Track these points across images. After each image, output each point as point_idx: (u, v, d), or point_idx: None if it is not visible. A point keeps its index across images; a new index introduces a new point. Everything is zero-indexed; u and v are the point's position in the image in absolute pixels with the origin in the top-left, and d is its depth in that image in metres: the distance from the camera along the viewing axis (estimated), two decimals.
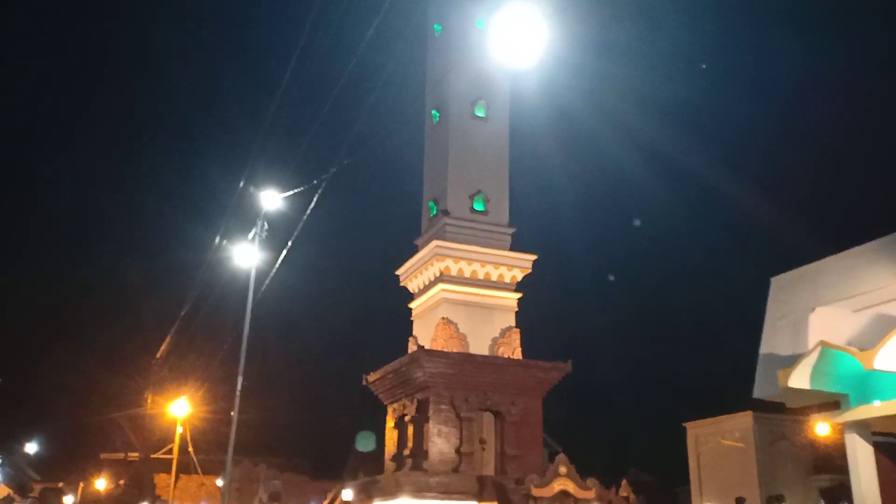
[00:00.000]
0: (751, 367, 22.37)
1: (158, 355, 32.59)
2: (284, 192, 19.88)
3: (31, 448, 40.76)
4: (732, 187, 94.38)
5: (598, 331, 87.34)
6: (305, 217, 20.03)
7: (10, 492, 29.09)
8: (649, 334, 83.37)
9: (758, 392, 21.70)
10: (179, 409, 35.29)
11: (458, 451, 27.73)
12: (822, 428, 23.72)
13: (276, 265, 21.37)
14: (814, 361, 18.49)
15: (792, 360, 19.25)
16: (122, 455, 45.20)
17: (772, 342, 21.60)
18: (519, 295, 32.11)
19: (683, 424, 36.09)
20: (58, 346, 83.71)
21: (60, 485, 41.17)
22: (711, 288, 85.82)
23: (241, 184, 21.91)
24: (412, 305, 33.64)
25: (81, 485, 42.95)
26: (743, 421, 32.67)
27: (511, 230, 32.89)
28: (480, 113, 34.24)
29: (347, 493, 27.31)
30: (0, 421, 35.15)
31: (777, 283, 23.43)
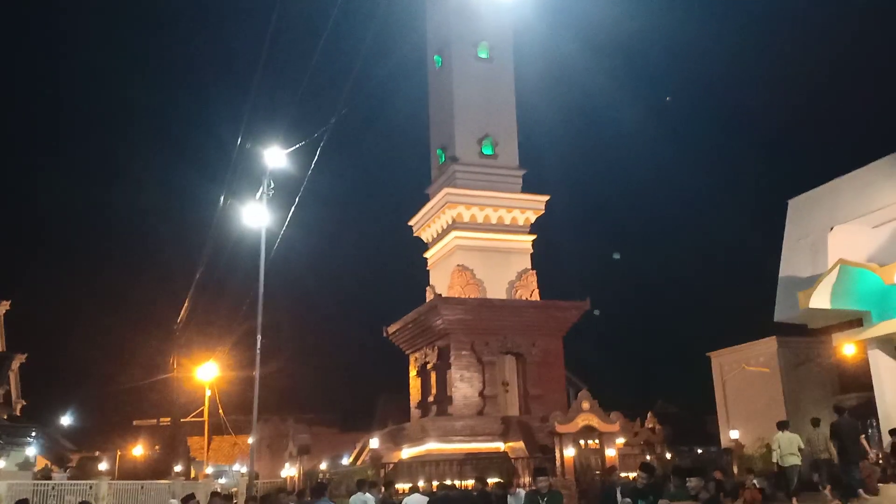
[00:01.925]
0: (772, 292, 22.22)
1: (179, 320, 32.93)
2: (288, 147, 19.68)
3: (66, 420, 41.80)
4: (746, 111, 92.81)
5: (616, 266, 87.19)
6: (311, 170, 19.90)
7: (49, 463, 29.79)
8: (668, 266, 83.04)
9: (779, 315, 21.56)
10: (207, 372, 35.83)
11: (481, 394, 27.95)
12: (846, 347, 23.51)
13: (286, 222, 21.32)
14: (834, 280, 18.29)
15: (812, 281, 19.07)
16: (154, 421, 46.13)
17: (791, 264, 21.37)
18: (533, 237, 31.91)
19: (707, 354, 36.06)
20: (82, 319, 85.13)
21: (97, 454, 42.22)
22: (729, 215, 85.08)
23: (243, 142, 21.74)
24: (427, 255, 33.58)
25: (118, 452, 44.01)
26: (767, 346, 32.53)
27: (522, 172, 32.52)
28: (483, 54, 33.58)
29: (374, 442, 27.68)
30: (33, 395, 35.89)
31: (794, 204, 23.07)
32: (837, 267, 17.92)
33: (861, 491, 15.59)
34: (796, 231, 21.83)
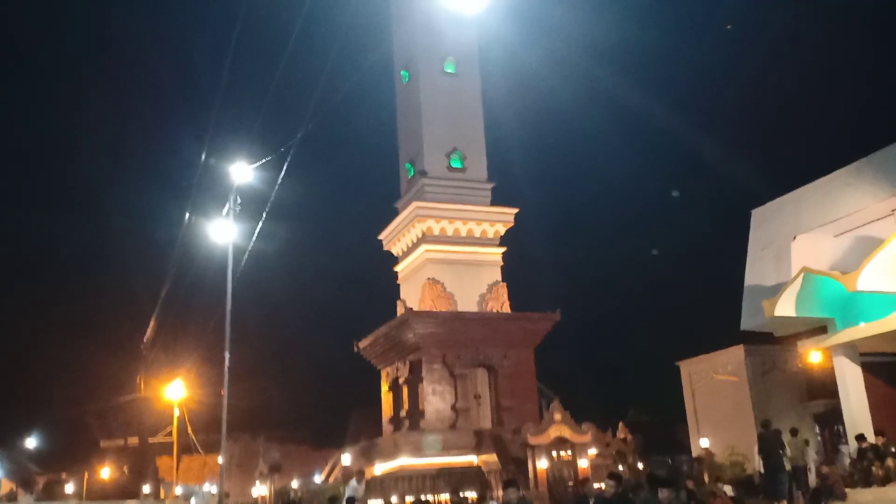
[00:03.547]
0: (739, 301, 22.52)
1: (145, 339, 32.46)
2: (254, 163, 19.54)
3: (31, 442, 40.82)
4: (712, 124, 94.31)
5: (586, 277, 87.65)
6: (278, 185, 19.76)
7: (14, 486, 29.10)
8: (637, 277, 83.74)
9: (745, 323, 21.86)
10: (174, 392, 35.27)
11: (453, 407, 27.90)
12: (812, 354, 23.89)
13: (254, 238, 21.13)
14: (798, 288, 18.60)
15: (776, 290, 19.37)
16: (121, 441, 45.33)
17: (756, 273, 21.70)
18: (503, 249, 32.03)
19: (676, 363, 36.40)
20: (45, 340, 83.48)
21: (64, 476, 41.33)
22: (696, 224, 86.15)
23: (208, 157, 21.54)
24: (398, 269, 33.52)
25: (86, 474, 43.13)
26: (734, 355, 32.91)
27: (490, 185, 32.68)
28: (450, 69, 33.77)
29: (346, 458, 27.46)
30: None
31: (758, 214, 23.47)
32: (801, 275, 18.23)
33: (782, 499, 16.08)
34: (760, 240, 22.20)
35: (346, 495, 17.02)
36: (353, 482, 17.63)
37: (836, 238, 19.54)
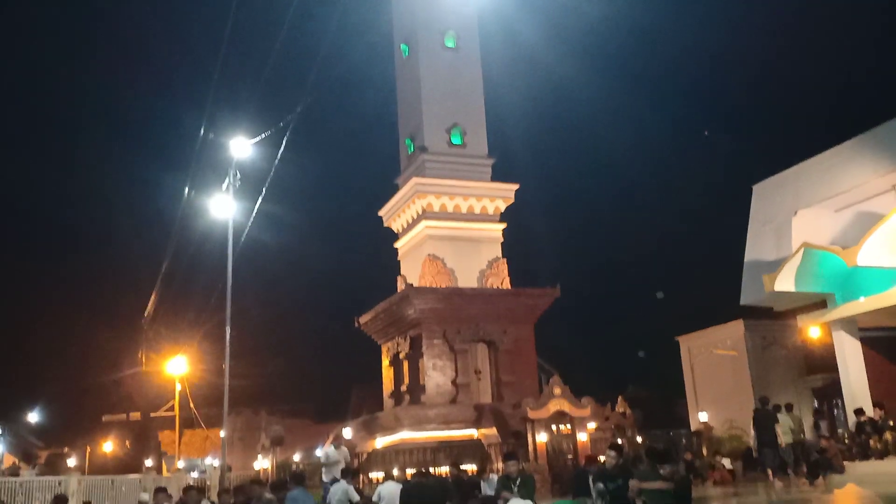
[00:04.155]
0: (739, 276, 22.55)
1: (146, 314, 32.57)
2: (254, 138, 19.47)
3: (32, 417, 41.04)
4: (710, 99, 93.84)
5: (585, 254, 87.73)
6: (278, 160, 19.72)
7: (16, 460, 29.34)
8: (636, 253, 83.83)
9: (745, 298, 21.92)
10: (176, 367, 35.47)
11: (454, 382, 28.04)
12: (811, 329, 23.97)
13: (254, 213, 21.13)
14: (798, 263, 18.64)
15: (776, 265, 19.39)
16: (123, 416, 45.61)
17: (756, 248, 21.71)
18: (503, 225, 31.99)
19: (676, 338, 36.53)
20: (47, 315, 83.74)
21: (66, 450, 41.65)
22: (696, 200, 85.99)
23: (207, 132, 21.47)
24: (398, 245, 33.51)
25: (88, 448, 43.45)
26: (734, 329, 33.04)
27: (491, 161, 32.55)
28: (450, 44, 33.49)
29: (347, 432, 27.67)
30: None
31: (759, 189, 23.43)
32: (801, 250, 18.25)
33: (770, 471, 16.25)
34: (761, 215, 22.18)
35: (321, 461, 16.91)
36: (329, 447, 17.13)
37: (837, 213, 19.54)
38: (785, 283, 18.71)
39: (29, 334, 78.34)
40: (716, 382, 34.09)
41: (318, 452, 31.90)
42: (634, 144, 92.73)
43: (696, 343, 35.68)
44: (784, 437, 16.98)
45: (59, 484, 19.41)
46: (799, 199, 20.88)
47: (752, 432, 17.67)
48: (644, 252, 79.36)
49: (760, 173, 23.07)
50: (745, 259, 21.74)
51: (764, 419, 16.79)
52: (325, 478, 16.12)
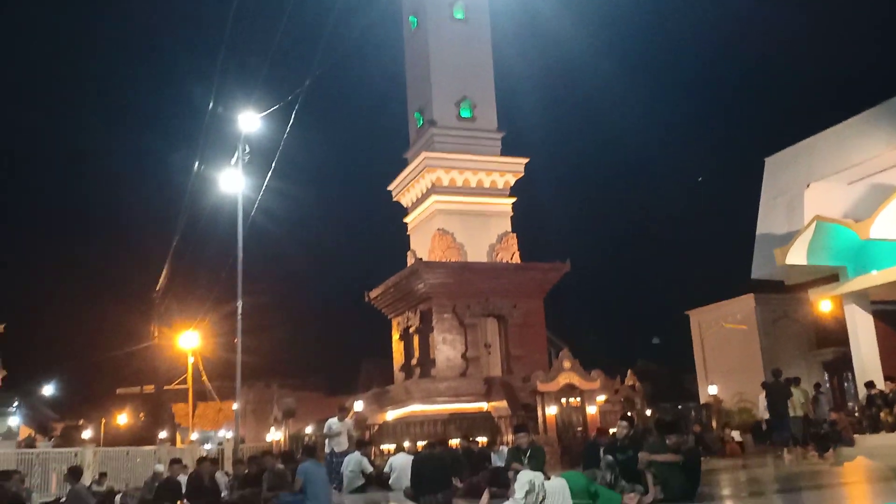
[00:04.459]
0: (750, 250, 22.46)
1: (158, 288, 32.80)
2: (263, 111, 19.44)
3: (48, 390, 41.57)
4: (723, 72, 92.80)
5: (595, 228, 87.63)
6: (287, 134, 19.69)
7: (32, 433, 29.78)
8: (647, 224, 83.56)
9: (756, 272, 21.85)
10: (188, 341, 35.79)
11: (464, 356, 28.16)
12: (822, 303, 23.91)
13: (263, 187, 21.15)
14: (810, 237, 18.54)
15: (788, 238, 19.30)
16: (137, 389, 46.13)
17: (768, 222, 21.60)
18: (513, 199, 31.90)
19: (686, 312, 36.55)
20: (60, 289, 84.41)
21: (81, 422, 42.23)
22: (707, 173, 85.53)
23: (216, 106, 21.44)
24: (407, 220, 33.50)
25: (103, 420, 44.03)
26: (744, 303, 33.01)
27: (500, 134, 32.37)
28: (459, 15, 33.16)
29: (359, 405, 27.89)
30: (12, 366, 35.68)
31: (771, 162, 23.25)
32: (814, 223, 18.15)
33: (780, 444, 16.28)
34: (773, 188, 22.04)
35: (324, 432, 16.91)
36: (333, 419, 16.99)
37: (850, 186, 19.38)
38: (797, 256, 18.64)
39: (43, 309, 79.16)
40: (726, 356, 34.13)
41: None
42: (645, 118, 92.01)
43: (706, 317, 35.69)
44: (795, 411, 17.00)
45: (76, 455, 19.78)
46: (811, 172, 20.72)
47: (763, 405, 17.70)
48: (654, 226, 79.13)
49: (773, 146, 22.89)
50: (757, 232, 21.64)
51: (776, 392, 16.80)
52: (327, 449, 16.19)
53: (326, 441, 16.69)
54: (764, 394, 17.60)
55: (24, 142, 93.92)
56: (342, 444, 16.50)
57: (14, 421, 29.54)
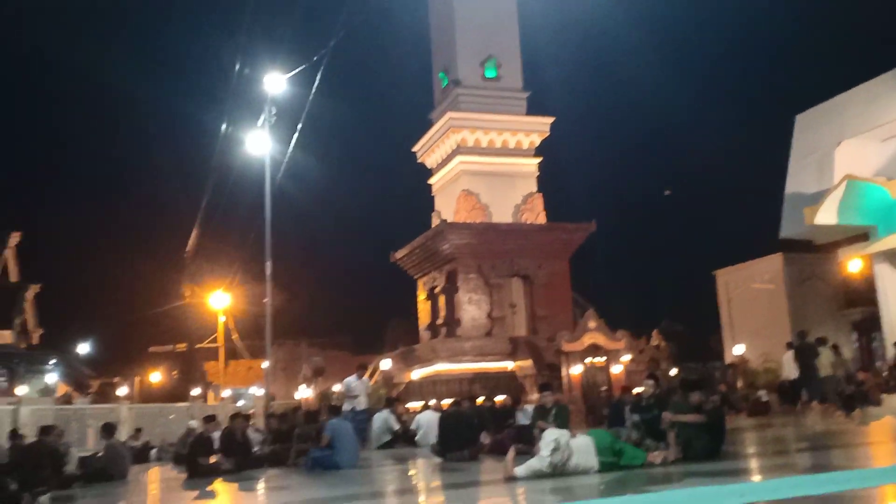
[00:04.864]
0: (778, 209, 22.20)
1: (188, 248, 33.27)
2: (288, 73, 19.44)
3: (83, 348, 42.58)
4: (752, 29, 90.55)
5: (622, 187, 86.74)
6: (312, 95, 19.70)
7: (69, 389, 30.58)
8: (674, 184, 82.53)
9: (785, 231, 21.62)
10: (218, 300, 36.37)
11: (489, 316, 28.35)
12: (851, 263, 23.65)
13: (290, 148, 21.24)
14: (840, 196, 18.28)
15: (818, 197, 19.05)
16: (170, 347, 47.08)
17: (797, 180, 21.30)
18: (539, 159, 31.72)
19: (713, 272, 36.33)
20: (94, 248, 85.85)
21: (116, 379, 43.28)
22: (735, 131, 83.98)
23: (242, 68, 21.47)
24: (432, 181, 33.49)
25: (137, 378, 45.08)
26: (772, 263, 32.72)
27: (526, 94, 32.07)
28: None
29: (385, 363, 28.28)
30: (49, 324, 36.59)
31: (802, 120, 22.82)
32: (844, 182, 17.89)
33: (808, 403, 16.28)
34: (803, 147, 21.69)
35: (342, 390, 16.84)
36: (351, 377, 16.83)
37: (882, 143, 19.03)
38: (826, 215, 18.42)
39: (79, 269, 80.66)
40: (752, 316, 33.97)
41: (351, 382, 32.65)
42: (673, 76, 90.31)
43: (733, 277, 35.47)
44: (822, 371, 16.97)
45: (112, 411, 20.34)
46: (843, 130, 20.34)
47: (789, 365, 17.69)
48: (681, 186, 78.18)
49: (803, 103, 22.45)
50: (786, 192, 21.36)
51: (805, 352, 16.74)
52: (346, 407, 16.16)
53: (346, 400, 16.85)
54: (789, 354, 17.59)
55: (59, 101, 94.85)
56: (362, 402, 16.72)
57: (51, 378, 30.39)
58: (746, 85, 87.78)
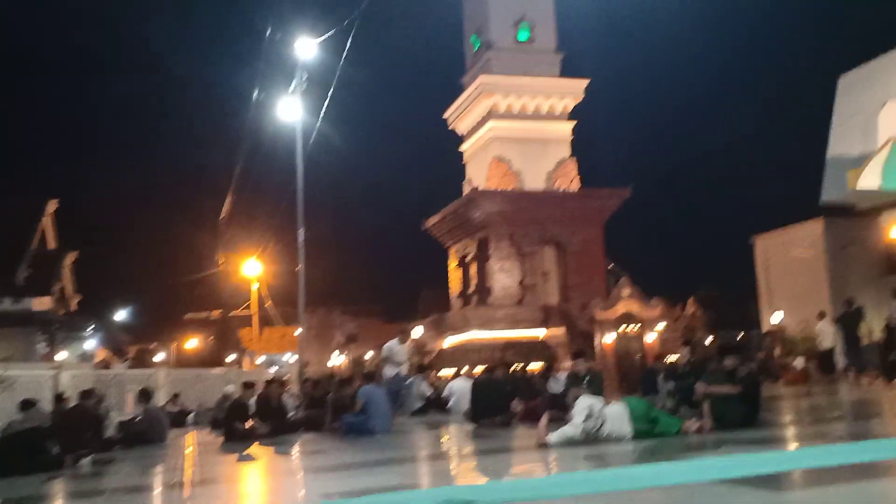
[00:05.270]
0: (819, 173, 21.60)
1: (223, 216, 33.49)
2: (319, 37, 19.23)
3: (120, 315, 43.44)
4: None
5: (658, 151, 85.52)
6: (343, 61, 19.49)
7: (107, 355, 31.21)
8: (710, 148, 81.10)
9: (826, 196, 20.99)
10: (252, 268, 36.68)
11: (521, 284, 28.25)
12: (894, 228, 23.04)
13: (321, 115, 21.11)
14: (884, 159, 17.66)
15: (862, 161, 18.43)
16: (205, 314, 47.79)
17: (840, 143, 20.63)
18: (573, 124, 31.27)
19: (751, 239, 35.70)
20: (130, 216, 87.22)
21: (153, 345, 44.14)
22: (773, 93, 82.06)
23: (273, 33, 21.29)
24: (463, 148, 33.23)
25: (174, 344, 45.90)
26: (813, 228, 32.01)
27: (560, 56, 31.53)
28: None
29: (417, 331, 28.39)
30: (86, 291, 37.28)
31: (844, 81, 22.02)
32: (889, 145, 17.27)
33: (849, 371, 16.05)
34: (846, 108, 20.98)
35: (382, 355, 16.69)
36: (393, 341, 16.55)
37: None
38: (870, 180, 17.81)
39: (114, 235, 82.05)
40: (791, 283, 33.35)
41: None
42: (712, 37, 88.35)
43: (772, 243, 34.80)
44: (864, 338, 16.68)
45: (150, 377, 20.69)
46: (888, 91, 19.58)
47: (825, 333, 17.42)
48: (718, 150, 76.80)
49: (846, 64, 21.70)
50: (828, 155, 20.74)
51: (849, 319, 16.48)
52: (390, 372, 16.13)
53: (387, 365, 16.83)
54: (822, 323, 17.31)
55: (95, 70, 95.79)
56: (404, 368, 16.68)
57: (90, 344, 31.06)
58: (787, 46, 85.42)
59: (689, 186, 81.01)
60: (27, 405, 10.75)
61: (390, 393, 14.41)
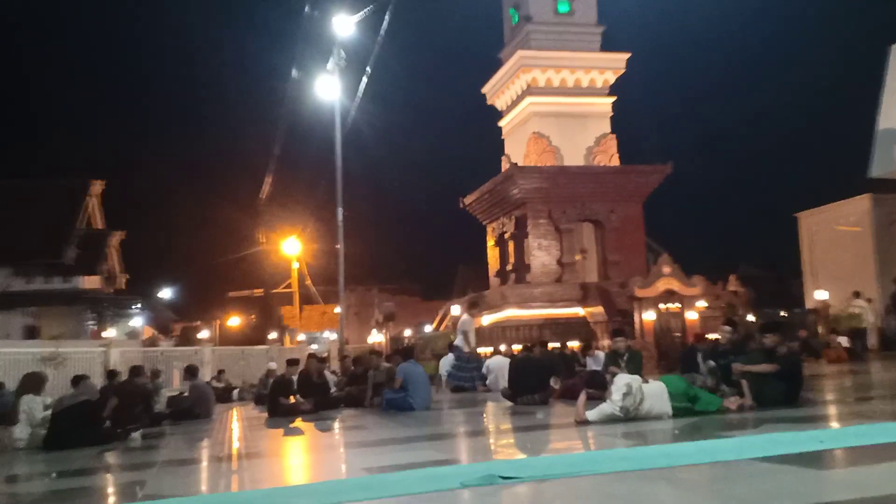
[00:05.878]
0: (866, 147, 21.03)
1: (262, 195, 33.95)
2: (356, 14, 19.26)
3: (166, 293, 44.43)
4: None
5: (700, 127, 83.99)
6: (380, 38, 19.51)
7: (154, 332, 32.01)
8: (753, 123, 79.37)
9: (875, 170, 20.48)
10: (291, 247, 37.19)
11: (559, 261, 28.12)
12: None
13: (359, 92, 21.18)
14: None
15: None
16: (247, 292, 48.64)
17: (890, 116, 20.07)
18: (612, 99, 30.86)
19: (795, 214, 35.00)
20: (173, 196, 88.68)
21: (198, 323, 45.08)
22: (819, 67, 79.76)
23: (311, 9, 21.38)
24: (502, 123, 33.05)
25: (218, 322, 46.84)
26: (860, 204, 31.23)
27: (600, 29, 31.03)
28: None
29: (455, 309, 28.49)
30: (133, 270, 38.23)
31: None
32: None
33: None
34: None
35: (460, 329, 17.20)
36: (465, 315, 17.50)
37: None
38: None
39: (159, 215, 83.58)
40: (836, 260, 32.67)
41: (428, 328, 33.14)
42: (753, 5, 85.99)
43: (816, 219, 34.08)
44: None
45: (195, 353, 21.21)
46: None
47: (870, 312, 17.09)
48: (761, 124, 75.12)
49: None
50: (877, 128, 20.21)
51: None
52: (458, 342, 16.57)
53: (460, 335, 17.24)
54: (858, 301, 17.02)
55: (138, 52, 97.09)
56: (472, 339, 17.07)
57: (137, 322, 31.88)
58: (835, 13, 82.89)
59: (731, 161, 79.52)
60: (78, 380, 11.12)
61: (470, 364, 14.78)
